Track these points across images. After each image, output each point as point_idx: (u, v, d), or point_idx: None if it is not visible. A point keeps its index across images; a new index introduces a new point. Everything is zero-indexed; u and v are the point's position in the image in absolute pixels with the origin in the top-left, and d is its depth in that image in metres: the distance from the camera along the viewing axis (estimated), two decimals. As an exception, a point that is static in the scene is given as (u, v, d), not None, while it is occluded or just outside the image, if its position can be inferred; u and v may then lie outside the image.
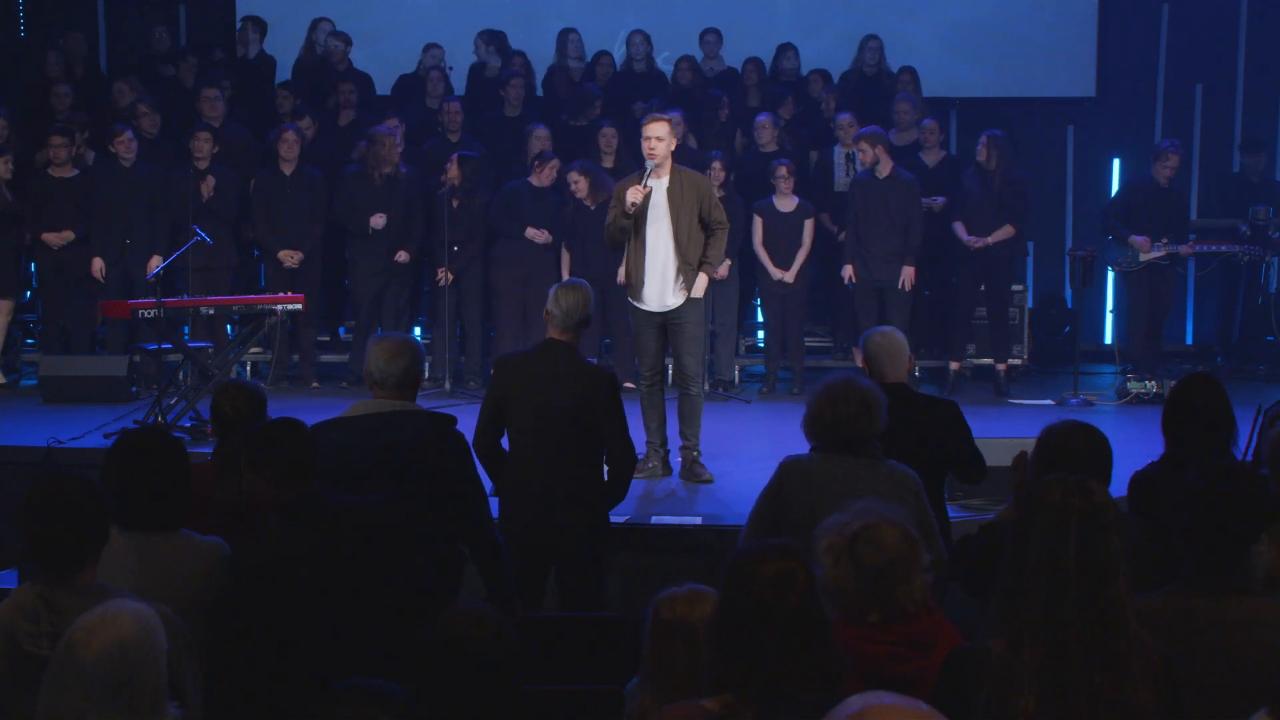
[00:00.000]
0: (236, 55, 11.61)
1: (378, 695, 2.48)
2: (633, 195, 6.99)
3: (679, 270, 7.10)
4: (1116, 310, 11.57)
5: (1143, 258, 9.93)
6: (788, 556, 2.79)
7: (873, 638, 3.13)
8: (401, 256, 9.89)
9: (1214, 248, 10.23)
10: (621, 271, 9.55)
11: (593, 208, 9.64)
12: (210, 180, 9.70)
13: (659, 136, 7.03)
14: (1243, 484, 3.22)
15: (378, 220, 9.77)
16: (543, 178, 9.79)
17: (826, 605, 2.85)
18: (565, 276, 9.75)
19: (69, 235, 9.86)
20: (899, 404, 4.79)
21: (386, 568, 3.74)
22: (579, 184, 9.65)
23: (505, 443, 5.48)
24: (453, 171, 9.71)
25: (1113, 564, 2.76)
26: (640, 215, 7.10)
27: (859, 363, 9.94)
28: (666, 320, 7.17)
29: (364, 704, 2.45)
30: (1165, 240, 9.87)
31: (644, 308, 7.14)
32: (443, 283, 9.74)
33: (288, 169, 9.93)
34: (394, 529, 3.81)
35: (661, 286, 7.11)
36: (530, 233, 9.69)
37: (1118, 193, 10.74)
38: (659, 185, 7.09)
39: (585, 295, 5.48)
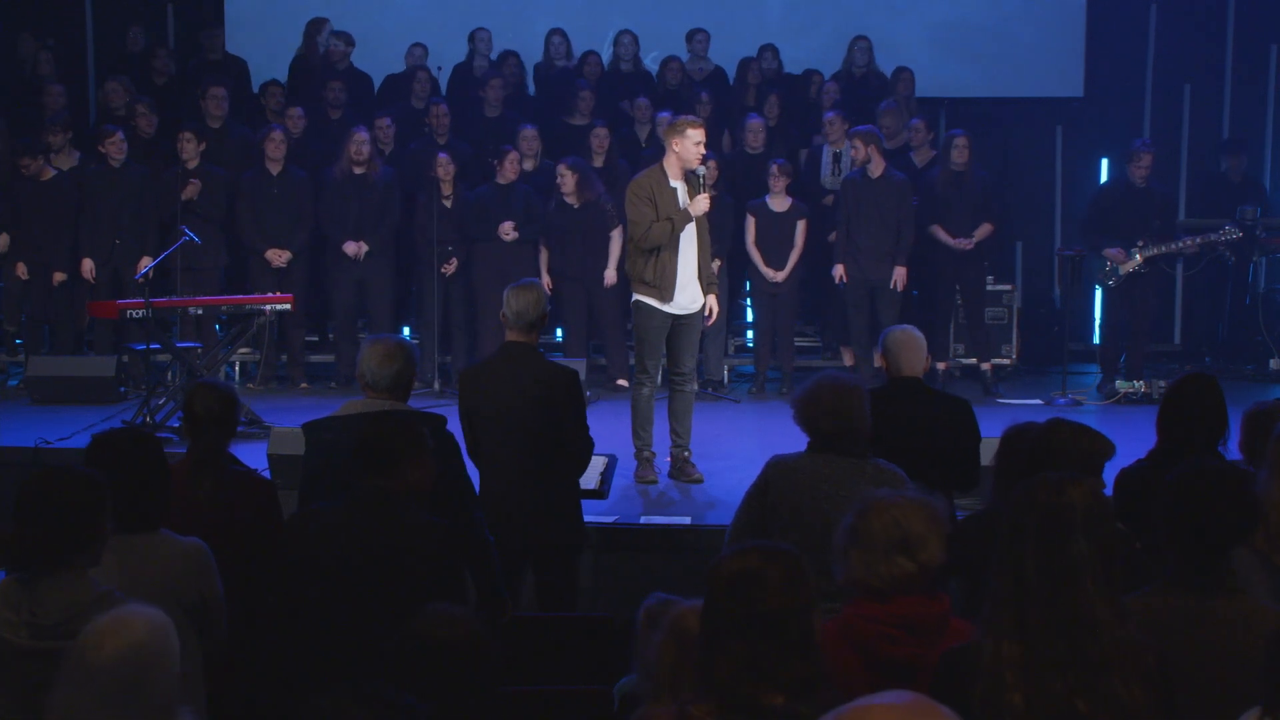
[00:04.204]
0: (208, 58, 11.48)
1: (382, 700, 2.43)
2: (704, 205, 7.03)
3: (701, 273, 7.15)
4: (1104, 313, 11.53)
5: (1122, 270, 9.87)
6: (762, 556, 2.72)
7: (870, 617, 3.13)
8: (349, 248, 9.82)
9: (1195, 239, 10.05)
10: (611, 274, 9.57)
11: (576, 206, 9.61)
12: (193, 184, 9.65)
13: (704, 141, 7.10)
14: (1226, 484, 3.20)
15: (349, 247, 9.78)
16: (505, 173, 9.72)
17: (817, 612, 2.81)
18: (544, 274, 9.75)
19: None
20: (910, 398, 5.06)
21: (428, 586, 3.70)
22: (566, 179, 9.58)
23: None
24: (443, 170, 9.68)
25: (1075, 566, 2.75)
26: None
27: (847, 361, 9.94)
28: (676, 321, 7.18)
29: (367, 706, 2.41)
30: (1142, 243, 9.79)
31: (666, 309, 7.13)
32: (448, 273, 9.74)
33: (274, 169, 9.90)
34: (452, 553, 3.81)
35: (690, 289, 7.14)
36: (501, 227, 9.64)
37: (1092, 200, 10.42)
38: (683, 191, 7.11)
39: (537, 295, 5.48)
